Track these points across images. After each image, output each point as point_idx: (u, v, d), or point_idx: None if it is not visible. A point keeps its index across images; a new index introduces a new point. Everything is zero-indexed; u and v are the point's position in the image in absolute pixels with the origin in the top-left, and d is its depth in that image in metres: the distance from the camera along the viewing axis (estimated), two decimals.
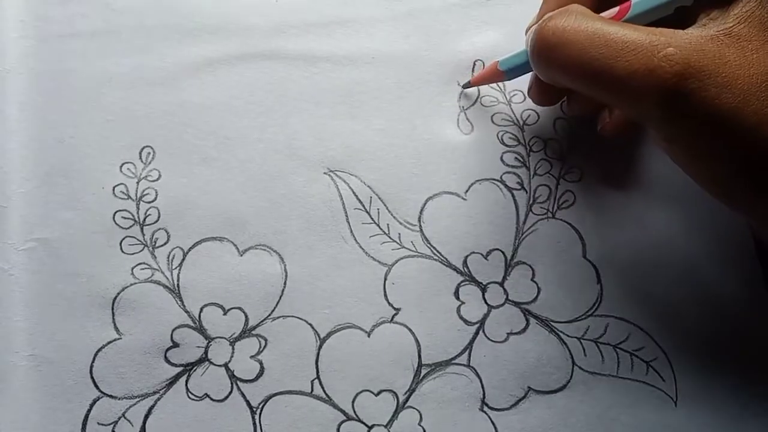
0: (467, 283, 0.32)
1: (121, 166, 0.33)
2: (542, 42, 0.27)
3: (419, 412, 0.31)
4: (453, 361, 0.31)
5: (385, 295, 0.32)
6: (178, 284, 0.31)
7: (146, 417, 0.30)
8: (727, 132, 0.24)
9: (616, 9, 0.28)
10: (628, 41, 0.25)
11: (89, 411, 0.30)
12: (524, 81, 0.33)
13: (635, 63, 0.25)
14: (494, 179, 0.33)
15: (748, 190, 0.26)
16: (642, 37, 0.25)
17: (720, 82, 0.24)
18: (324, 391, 0.31)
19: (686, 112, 0.25)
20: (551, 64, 0.27)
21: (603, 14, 0.28)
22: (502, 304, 0.32)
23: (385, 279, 0.32)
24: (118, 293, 0.31)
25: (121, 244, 0.32)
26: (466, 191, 0.33)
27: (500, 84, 0.35)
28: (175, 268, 0.31)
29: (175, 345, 0.31)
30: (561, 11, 0.27)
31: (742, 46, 0.25)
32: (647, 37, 0.25)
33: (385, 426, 0.30)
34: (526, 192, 0.33)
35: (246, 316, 0.31)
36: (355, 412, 0.30)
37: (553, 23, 0.27)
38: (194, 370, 0.30)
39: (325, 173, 0.33)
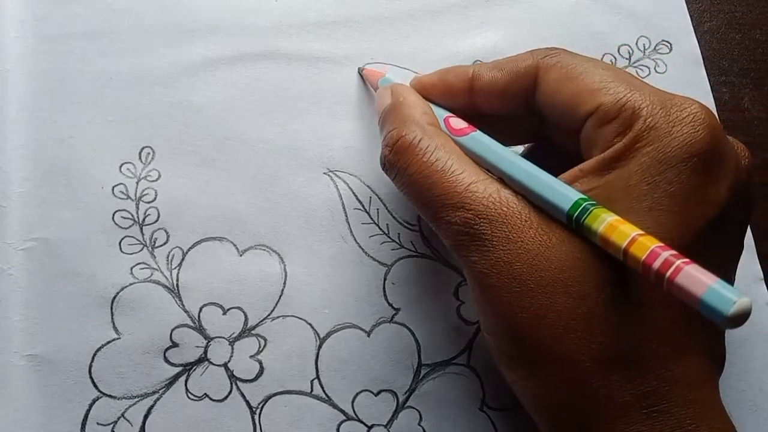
0: (467, 282, 0.32)
1: (120, 166, 0.33)
2: (387, 161, 0.27)
3: (419, 412, 0.30)
4: (453, 361, 0.31)
5: (385, 295, 0.32)
6: (177, 284, 0.31)
7: (146, 417, 0.30)
8: (489, 301, 0.24)
9: (463, 124, 0.28)
10: (447, 180, 0.25)
11: (89, 411, 0.30)
12: None
13: (444, 204, 0.25)
14: None
15: (499, 358, 0.26)
16: (460, 179, 0.25)
17: (494, 254, 0.24)
18: (324, 391, 0.30)
19: (467, 261, 0.25)
20: (393, 181, 0.28)
21: (451, 120, 0.28)
22: None
23: (385, 279, 0.32)
24: (118, 293, 0.31)
25: (120, 243, 0.32)
26: None
27: None
28: (175, 267, 0.31)
29: (175, 345, 0.31)
30: (408, 124, 0.27)
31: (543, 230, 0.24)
32: (464, 180, 0.25)
33: (385, 426, 0.30)
34: None
35: (245, 316, 0.31)
36: (354, 412, 0.30)
37: (399, 143, 0.27)
38: (194, 370, 0.30)
39: (325, 173, 0.33)
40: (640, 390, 0.22)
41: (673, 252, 0.20)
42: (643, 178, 0.23)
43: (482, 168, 0.26)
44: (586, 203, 0.22)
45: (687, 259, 0.20)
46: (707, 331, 0.24)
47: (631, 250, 0.21)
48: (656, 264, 0.20)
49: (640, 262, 0.20)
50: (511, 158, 0.25)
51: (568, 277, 0.23)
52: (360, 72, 0.34)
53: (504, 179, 0.25)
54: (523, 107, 0.28)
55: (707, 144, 0.23)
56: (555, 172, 0.25)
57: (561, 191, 0.23)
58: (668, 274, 0.19)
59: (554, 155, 0.28)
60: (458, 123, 0.27)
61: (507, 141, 0.29)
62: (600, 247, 0.23)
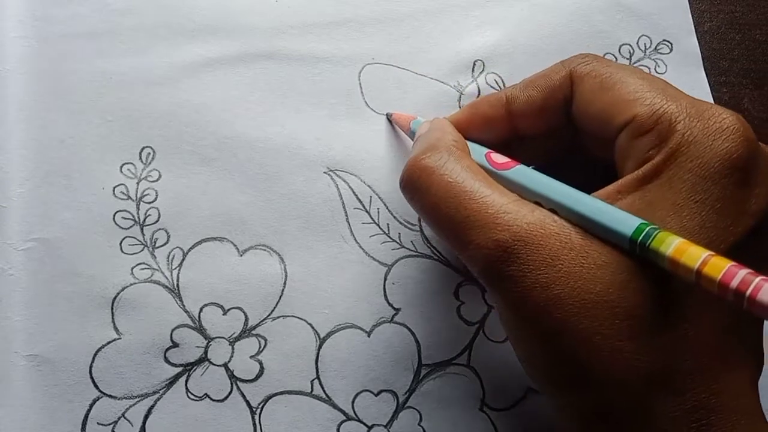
0: (467, 283, 0.32)
1: (121, 167, 0.33)
2: (408, 180, 0.27)
3: (419, 412, 0.30)
4: (453, 361, 0.31)
5: (385, 295, 0.32)
6: (177, 284, 0.31)
7: (146, 417, 0.30)
8: (526, 329, 0.24)
9: (506, 158, 0.27)
10: (476, 201, 0.24)
11: (89, 411, 0.30)
12: None
13: (474, 226, 0.24)
14: None
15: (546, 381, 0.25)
16: (491, 201, 0.24)
17: (536, 276, 0.23)
18: (324, 391, 0.31)
19: (499, 285, 0.24)
20: (412, 202, 0.27)
21: (492, 155, 0.27)
22: None
23: (385, 279, 0.32)
24: (118, 293, 0.31)
25: (121, 244, 0.32)
26: None
27: (500, 86, 0.35)
28: (175, 268, 0.31)
29: (175, 345, 0.31)
30: (436, 147, 0.27)
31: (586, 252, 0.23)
32: (495, 201, 0.24)
33: (385, 426, 0.30)
34: None
35: (246, 316, 0.31)
36: (354, 412, 0.30)
37: (423, 163, 0.26)
38: (194, 370, 0.30)
39: (325, 173, 0.33)
40: (689, 404, 0.22)
41: (749, 270, 0.20)
42: (689, 197, 0.23)
43: (515, 193, 0.25)
44: (648, 228, 0.22)
45: (764, 276, 0.20)
46: (749, 338, 0.24)
47: (705, 270, 0.20)
48: (734, 283, 0.20)
49: (716, 282, 0.20)
50: (561, 188, 0.25)
51: (614, 298, 0.22)
52: (389, 117, 0.34)
53: (557, 209, 0.24)
54: (563, 120, 0.27)
55: (747, 157, 0.23)
56: (577, 185, 0.25)
57: (620, 217, 0.23)
58: (749, 292, 0.19)
59: (567, 167, 0.27)
60: (500, 158, 0.27)
61: (542, 159, 0.29)
62: (651, 267, 0.22)
